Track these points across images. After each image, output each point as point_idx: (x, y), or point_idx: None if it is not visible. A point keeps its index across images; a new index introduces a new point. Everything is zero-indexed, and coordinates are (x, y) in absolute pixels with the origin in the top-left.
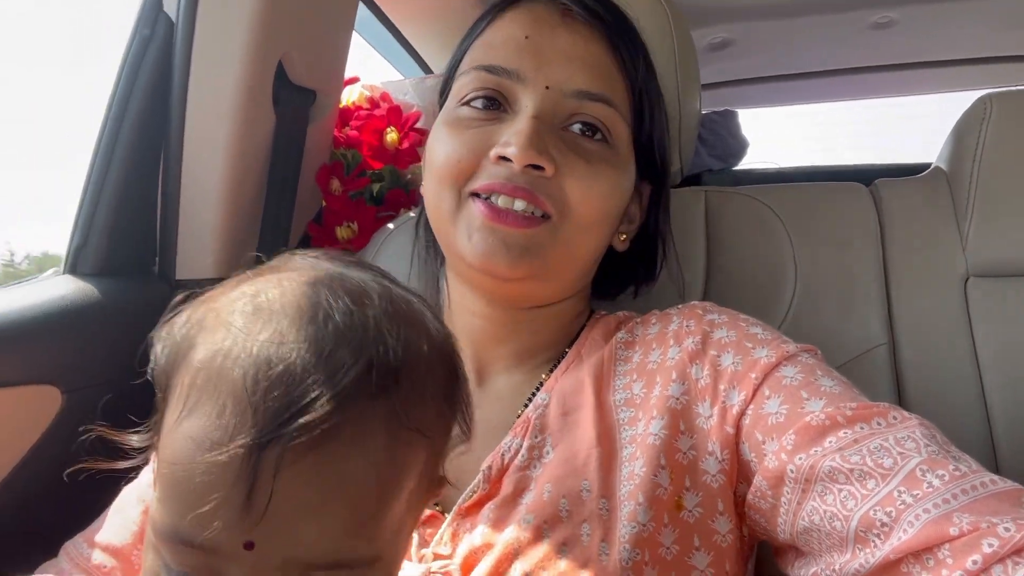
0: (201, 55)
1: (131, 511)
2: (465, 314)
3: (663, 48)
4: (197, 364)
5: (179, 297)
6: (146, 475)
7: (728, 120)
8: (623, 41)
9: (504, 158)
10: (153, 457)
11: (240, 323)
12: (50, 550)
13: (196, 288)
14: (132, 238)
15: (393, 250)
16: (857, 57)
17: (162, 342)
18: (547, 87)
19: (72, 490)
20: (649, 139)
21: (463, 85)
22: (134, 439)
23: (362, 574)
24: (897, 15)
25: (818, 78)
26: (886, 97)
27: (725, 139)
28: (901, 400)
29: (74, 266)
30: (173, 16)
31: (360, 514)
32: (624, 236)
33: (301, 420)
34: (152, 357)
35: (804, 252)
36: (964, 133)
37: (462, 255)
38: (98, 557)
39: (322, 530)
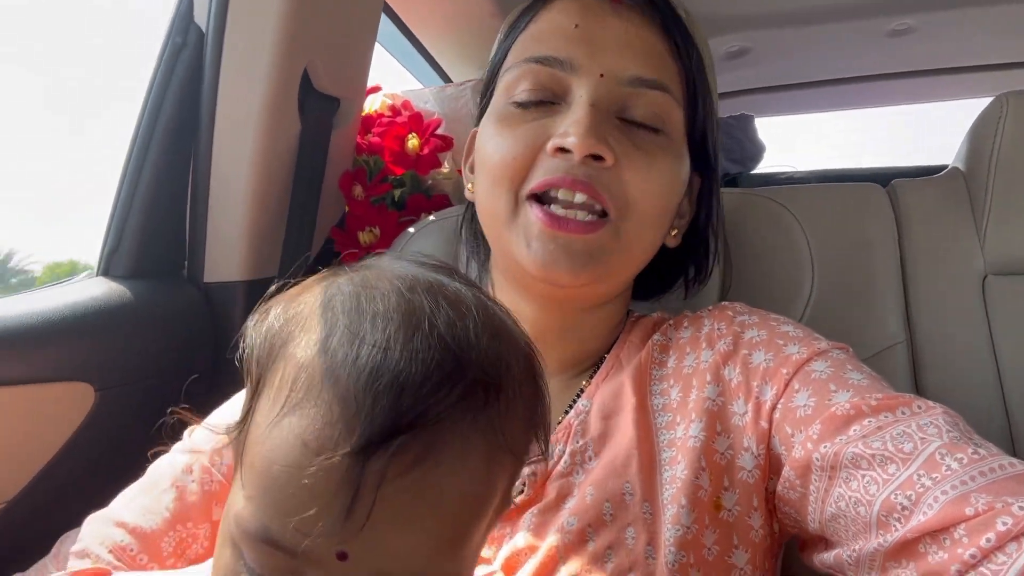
0: (230, 63)
1: (163, 496)
2: None
3: None
4: (300, 360)
5: (272, 288)
6: (180, 458)
7: (745, 124)
8: (676, 27)
9: (563, 149)
10: (222, 447)
11: (344, 323)
12: None
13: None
14: (162, 242)
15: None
16: (875, 64)
17: (257, 331)
18: (601, 75)
19: (105, 482)
20: (703, 130)
21: (512, 79)
22: (221, 428)
23: None
24: (915, 22)
25: (836, 86)
26: (904, 104)
27: (742, 143)
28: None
29: (107, 269)
30: (203, 26)
31: (453, 531)
32: (675, 231)
33: (410, 433)
34: (243, 344)
35: (821, 252)
36: (981, 132)
37: (520, 263)
38: (124, 538)
39: (415, 545)
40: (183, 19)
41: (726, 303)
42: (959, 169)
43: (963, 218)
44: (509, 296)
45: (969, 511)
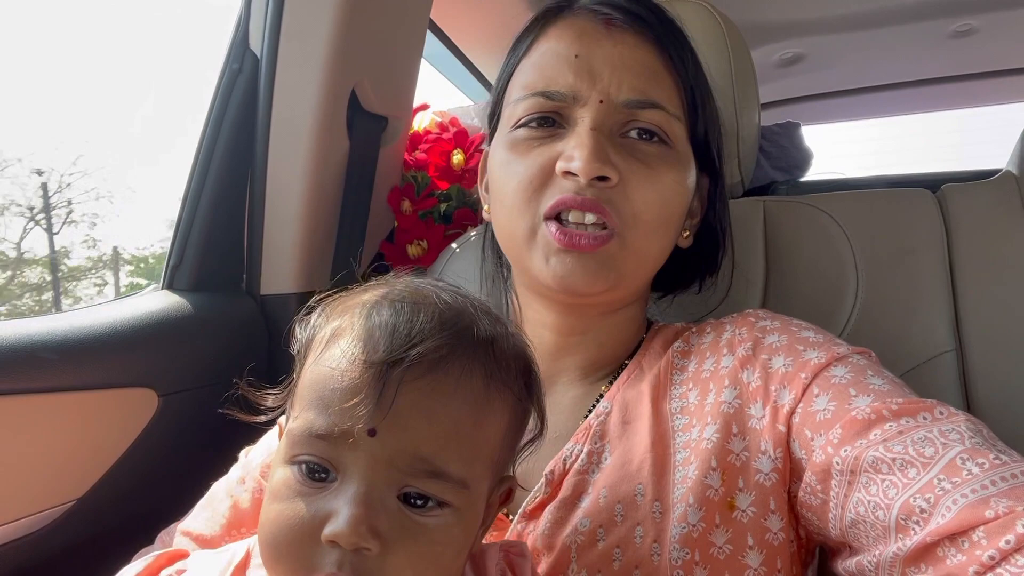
0: (282, 86)
1: (220, 506)
2: (536, 327)
3: (719, 63)
4: (334, 326)
5: (314, 299)
6: (234, 472)
7: (791, 132)
8: (669, 40)
9: (570, 172)
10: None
11: (365, 300)
12: (149, 539)
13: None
14: (222, 257)
15: (458, 268)
16: (936, 67)
17: (303, 328)
18: (601, 101)
19: (168, 483)
20: (704, 135)
21: (520, 110)
22: (269, 400)
23: (453, 492)
24: (978, 22)
25: (895, 90)
26: (966, 108)
27: (788, 151)
28: (969, 407)
29: (171, 282)
30: (258, 52)
31: (458, 430)
32: (687, 233)
33: (418, 349)
34: (294, 341)
35: (866, 259)
36: None
37: (540, 278)
38: (189, 546)
39: (427, 434)
40: (239, 46)
41: (750, 311)
42: (1012, 173)
43: (1017, 223)
44: (533, 306)
45: (989, 514)
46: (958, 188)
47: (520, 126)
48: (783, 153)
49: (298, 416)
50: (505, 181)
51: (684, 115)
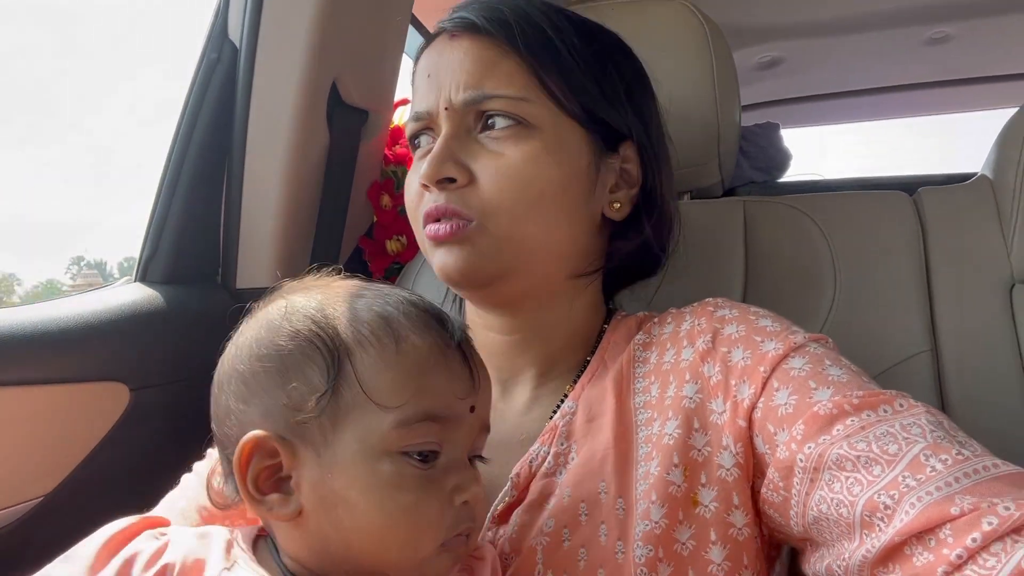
0: (261, 77)
1: (199, 497)
2: (481, 330)
3: (701, 63)
4: (370, 318)
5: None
6: (202, 467)
7: (770, 132)
8: (494, 26)
9: (424, 184)
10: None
11: (362, 290)
12: None
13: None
14: (197, 250)
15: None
16: (912, 73)
17: (309, 327)
18: (446, 108)
19: (138, 480)
20: (584, 103)
21: (407, 134)
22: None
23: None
24: (953, 30)
25: (871, 95)
26: (941, 114)
27: (767, 151)
28: (944, 407)
29: (144, 274)
30: (237, 42)
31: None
32: (618, 204)
33: (458, 329)
34: (307, 341)
35: (844, 260)
36: (1009, 140)
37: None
38: None
39: (489, 395)
40: (218, 36)
41: (709, 299)
42: (987, 177)
43: (991, 226)
44: (471, 309)
45: (954, 511)
46: (934, 191)
47: (413, 150)
48: (762, 153)
49: (404, 405)
50: (405, 199)
51: (540, 90)
